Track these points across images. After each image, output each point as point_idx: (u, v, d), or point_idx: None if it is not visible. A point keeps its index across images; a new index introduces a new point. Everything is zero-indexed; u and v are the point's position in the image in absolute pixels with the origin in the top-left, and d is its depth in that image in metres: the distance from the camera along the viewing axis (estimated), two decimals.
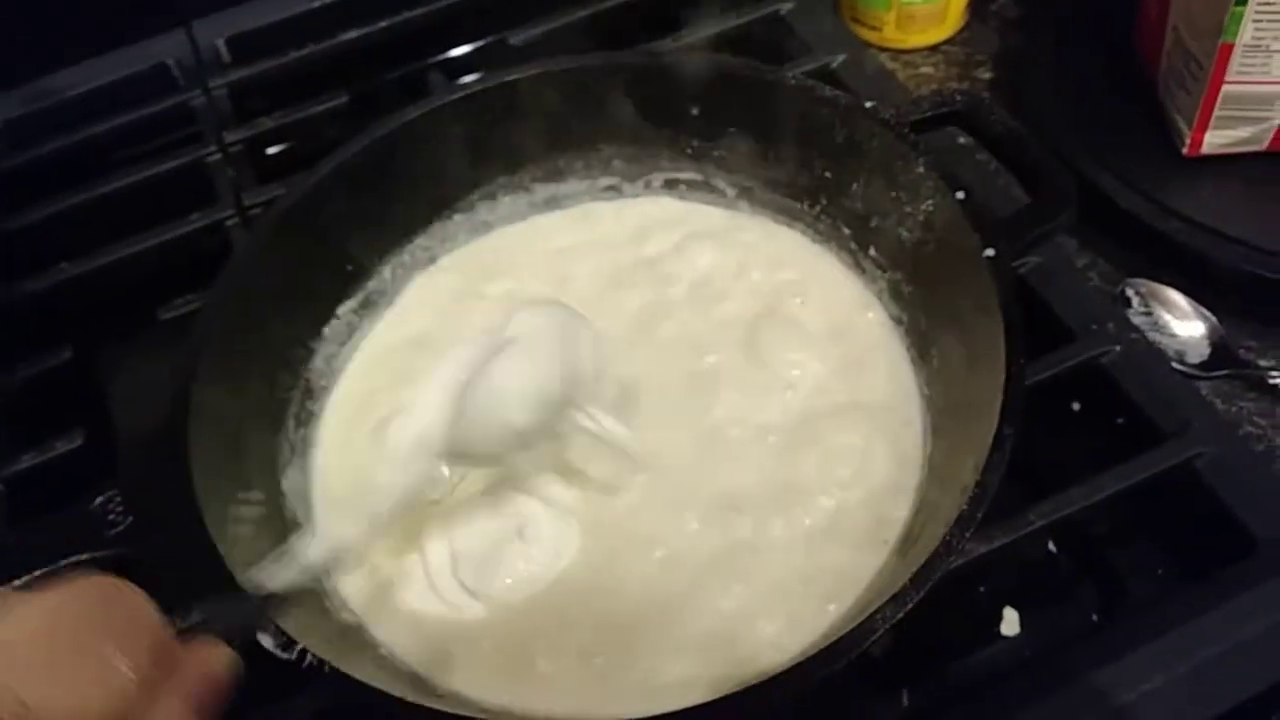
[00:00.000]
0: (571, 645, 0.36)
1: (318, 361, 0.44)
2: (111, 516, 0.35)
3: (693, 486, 0.39)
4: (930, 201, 0.39)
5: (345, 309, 0.45)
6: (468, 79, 0.51)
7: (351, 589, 0.38)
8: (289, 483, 0.41)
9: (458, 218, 0.48)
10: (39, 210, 0.57)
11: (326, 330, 0.45)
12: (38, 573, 0.35)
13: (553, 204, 0.48)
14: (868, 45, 0.59)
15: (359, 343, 0.46)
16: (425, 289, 0.47)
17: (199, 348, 0.40)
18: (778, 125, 0.44)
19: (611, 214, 0.48)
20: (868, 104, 0.42)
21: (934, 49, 0.60)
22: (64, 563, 0.34)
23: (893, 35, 0.59)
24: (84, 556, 0.34)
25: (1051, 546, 0.42)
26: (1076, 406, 0.44)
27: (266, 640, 0.31)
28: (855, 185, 0.43)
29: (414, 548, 0.39)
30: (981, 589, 0.42)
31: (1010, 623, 0.41)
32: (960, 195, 0.38)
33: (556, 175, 0.48)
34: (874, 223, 0.43)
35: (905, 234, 0.41)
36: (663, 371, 0.43)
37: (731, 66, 0.45)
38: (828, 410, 0.40)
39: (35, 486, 0.48)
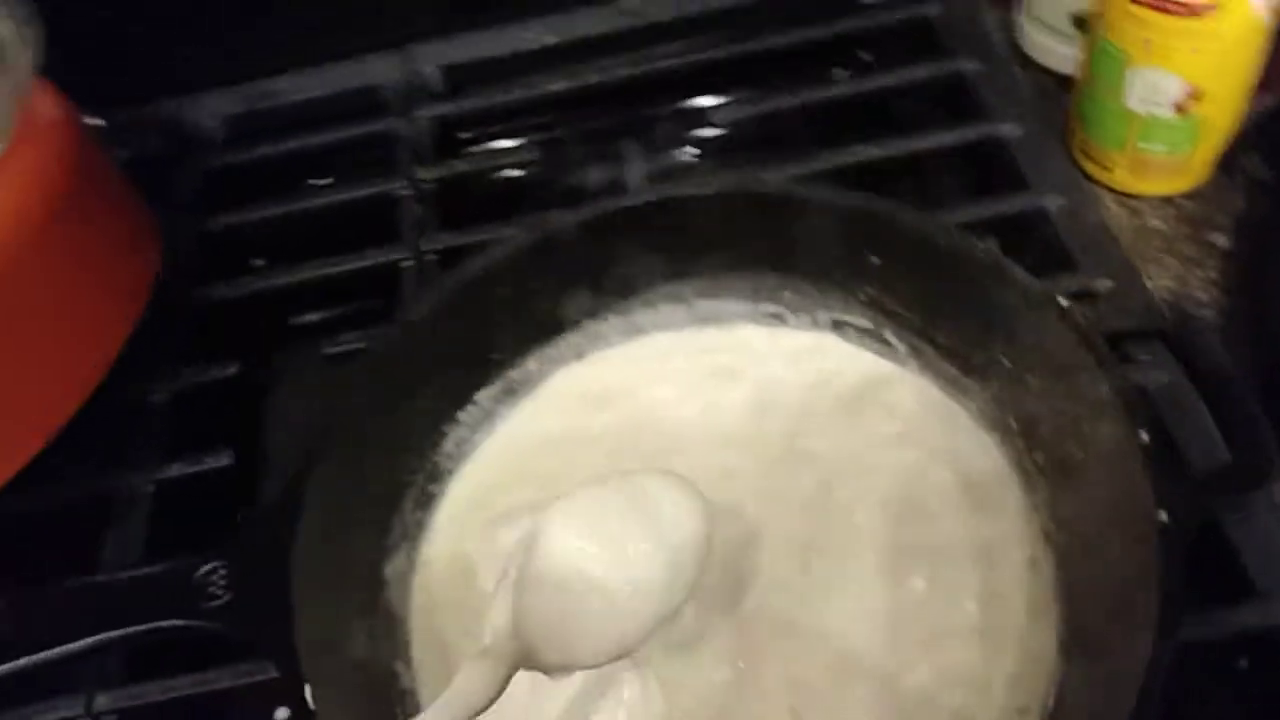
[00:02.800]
0: None
1: (448, 445, 0.44)
2: (212, 589, 0.36)
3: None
4: (1109, 431, 0.35)
5: (484, 395, 0.45)
6: (652, 190, 0.49)
7: None
8: (392, 570, 0.41)
9: (612, 319, 0.46)
10: (236, 216, 0.60)
11: (462, 415, 0.44)
12: (130, 629, 0.36)
13: (710, 320, 0.47)
14: (1094, 183, 0.54)
15: (493, 431, 0.45)
16: (567, 385, 0.46)
17: (331, 420, 0.40)
18: (960, 293, 0.41)
19: (769, 341, 0.46)
20: (1062, 302, 0.38)
21: (1168, 200, 0.54)
22: (153, 625, 0.36)
23: (1123, 180, 0.54)
24: (178, 623, 0.36)
25: None
26: (1245, 664, 0.40)
27: None
28: (1031, 380, 0.39)
29: None
30: None
31: None
32: (1145, 437, 0.34)
33: (720, 292, 0.46)
34: (1043, 429, 0.39)
35: (1076, 453, 0.37)
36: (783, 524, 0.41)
37: (923, 228, 0.41)
38: (949, 630, 0.37)
39: (181, 496, 0.50)
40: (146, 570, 0.38)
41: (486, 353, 0.45)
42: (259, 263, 0.60)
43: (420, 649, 0.40)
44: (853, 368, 0.45)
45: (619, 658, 0.34)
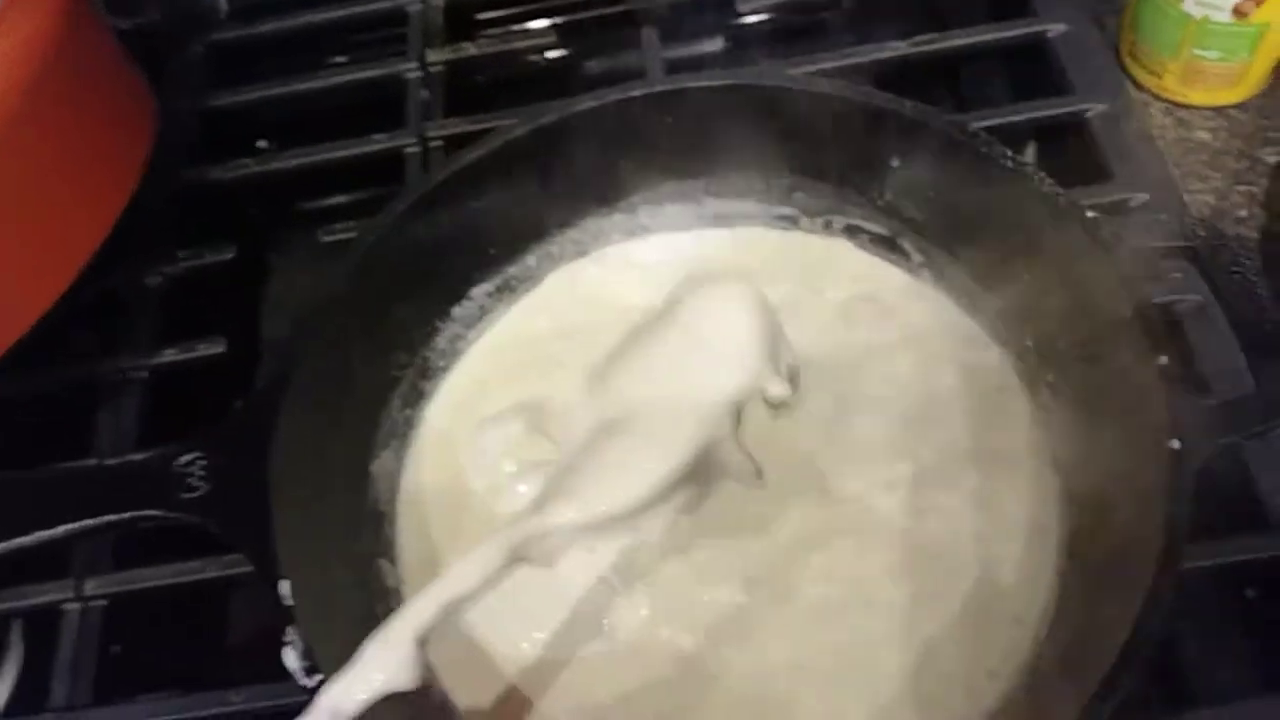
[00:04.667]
0: None
1: (440, 341, 0.43)
2: (191, 480, 0.35)
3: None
4: (1127, 353, 0.33)
5: (480, 291, 0.43)
6: (663, 80, 0.46)
7: None
8: (379, 466, 0.40)
9: (617, 216, 0.44)
10: (239, 95, 0.57)
11: (456, 310, 0.43)
12: (107, 518, 0.36)
13: (720, 221, 0.44)
14: (1140, 89, 0.51)
15: (487, 328, 0.44)
16: (566, 283, 0.44)
17: (319, 312, 0.39)
18: (982, 203, 0.38)
19: (782, 245, 0.44)
20: (1089, 214, 0.35)
21: (1218, 110, 0.51)
22: (129, 515, 0.35)
23: (1173, 87, 0.50)
24: (154, 513, 0.35)
25: None
26: (1251, 594, 0.38)
27: (292, 661, 0.31)
28: (1050, 296, 0.37)
29: None
30: None
31: None
32: (1164, 360, 0.32)
33: (731, 192, 0.44)
34: (1060, 346, 0.37)
35: (1091, 374, 0.35)
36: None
37: (947, 130, 0.39)
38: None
39: (176, 380, 0.50)
40: (127, 459, 0.38)
41: (484, 247, 0.43)
42: (262, 144, 0.58)
43: (406, 547, 0.40)
44: (865, 274, 0.42)
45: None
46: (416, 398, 0.42)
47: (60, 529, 0.35)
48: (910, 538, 0.37)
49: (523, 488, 0.39)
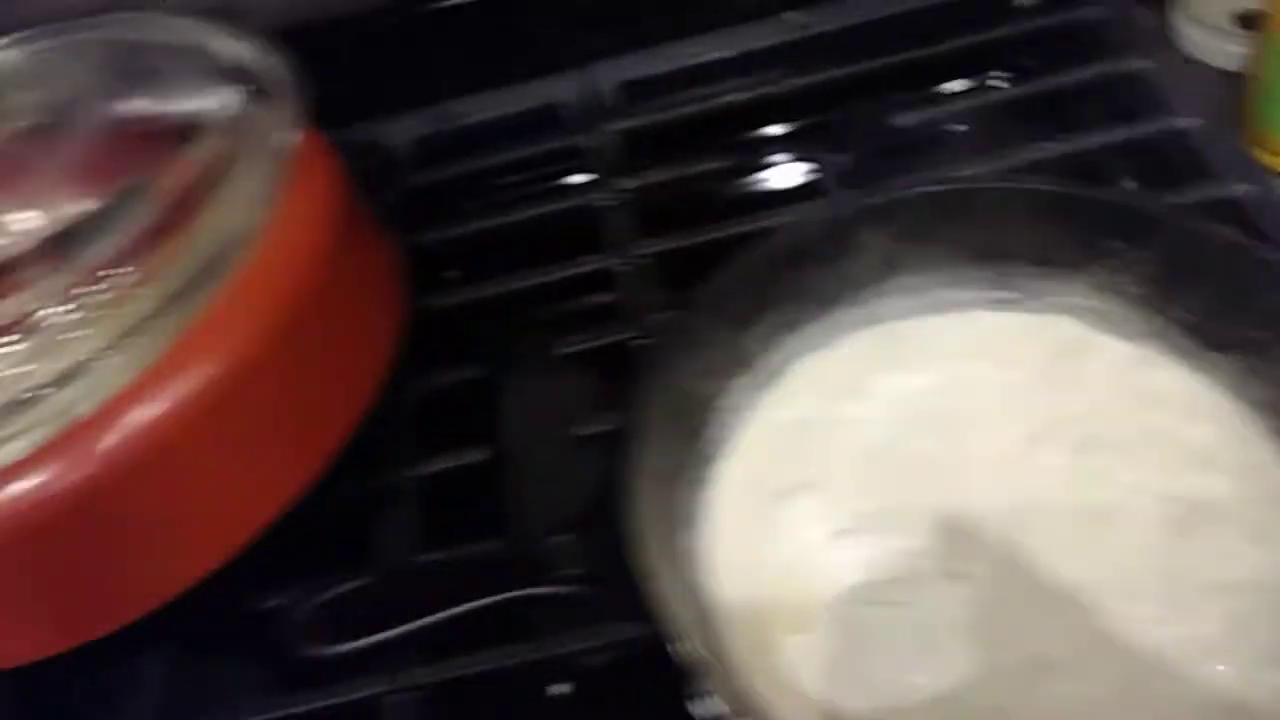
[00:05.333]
0: None
1: (711, 432, 0.47)
2: (561, 561, 0.40)
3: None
4: None
5: (738, 384, 0.48)
6: (890, 189, 0.51)
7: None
8: (682, 541, 0.44)
9: (854, 310, 0.50)
10: (447, 230, 0.63)
11: (719, 403, 0.48)
12: (495, 598, 0.40)
13: (945, 307, 0.50)
14: (1274, 174, 0.58)
15: (749, 419, 0.48)
16: (812, 373, 0.50)
17: (638, 416, 0.43)
18: (1199, 272, 0.45)
19: (1009, 326, 0.49)
20: None
21: None
22: (524, 593, 0.39)
23: None
24: (542, 590, 0.39)
25: None
26: None
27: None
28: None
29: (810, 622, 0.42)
30: None
31: None
32: None
33: (952, 280, 0.50)
34: None
35: None
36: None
37: (1159, 211, 0.45)
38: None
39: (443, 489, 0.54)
40: (491, 546, 0.42)
41: (740, 343, 0.48)
42: (452, 274, 0.64)
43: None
44: (1089, 346, 0.48)
45: None
46: (701, 484, 0.47)
47: (463, 607, 0.39)
48: None
49: (830, 553, 0.43)
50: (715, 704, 0.35)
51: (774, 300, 0.49)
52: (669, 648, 0.37)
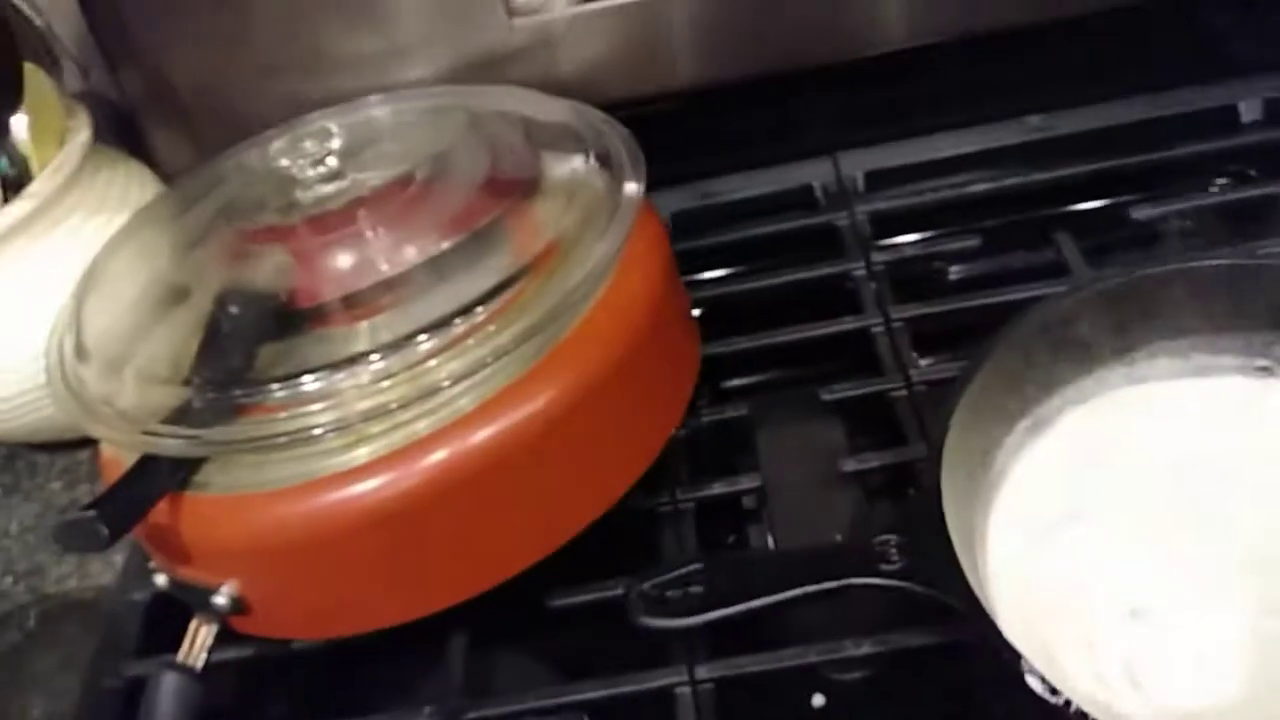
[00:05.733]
0: None
1: (993, 468, 0.52)
2: (887, 556, 0.45)
3: None
4: None
5: (1020, 426, 0.53)
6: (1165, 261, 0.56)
7: None
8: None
9: (1119, 369, 0.55)
10: (715, 290, 0.71)
11: (1007, 440, 0.53)
12: (826, 585, 0.46)
13: (1204, 372, 0.55)
14: None
15: (1022, 458, 0.53)
16: (1080, 421, 0.54)
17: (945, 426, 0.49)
18: None
19: (1259, 391, 0.54)
20: None
21: None
22: (853, 581, 0.45)
23: None
24: (870, 581, 0.44)
25: None
26: None
27: (1036, 684, 0.39)
28: None
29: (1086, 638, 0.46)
30: None
31: None
32: None
33: (1214, 348, 0.54)
34: None
35: None
36: None
37: None
38: None
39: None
40: (829, 542, 0.47)
41: (1021, 393, 0.54)
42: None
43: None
44: None
45: None
46: (984, 508, 0.52)
47: (795, 591, 0.44)
48: None
49: (1110, 577, 0.48)
50: (1042, 680, 0.39)
51: (1046, 361, 0.54)
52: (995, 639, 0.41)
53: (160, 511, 0.49)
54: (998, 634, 0.41)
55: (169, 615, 0.54)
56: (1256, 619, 0.46)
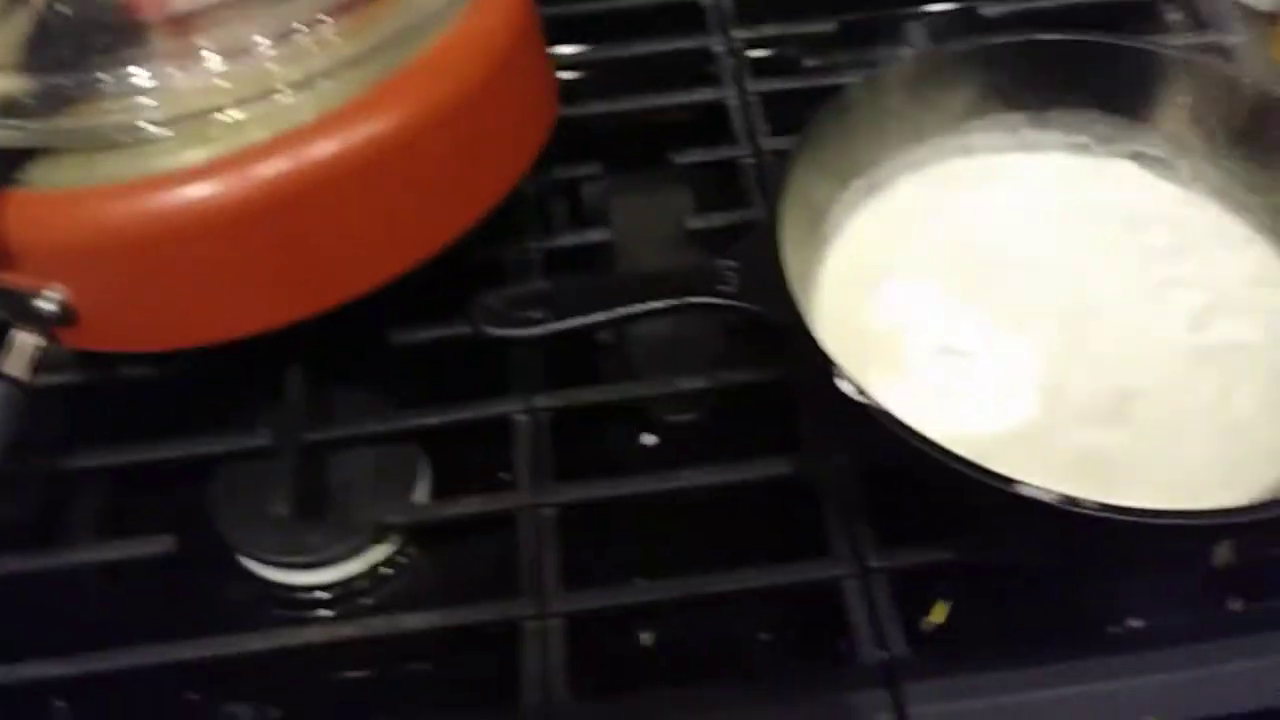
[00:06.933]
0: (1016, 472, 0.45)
1: (829, 222, 0.55)
2: (723, 277, 0.47)
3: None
4: None
5: (857, 184, 0.56)
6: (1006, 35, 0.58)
7: None
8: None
9: (954, 139, 0.58)
10: (575, 58, 0.70)
11: (844, 196, 0.55)
12: (667, 302, 0.47)
13: (1031, 147, 0.58)
14: None
15: (858, 214, 0.56)
16: (912, 183, 0.57)
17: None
18: (1253, 128, 0.53)
19: (1079, 168, 0.58)
20: None
21: None
22: (684, 301, 0.47)
23: None
24: (707, 300, 0.46)
25: None
26: None
27: (846, 385, 0.42)
28: None
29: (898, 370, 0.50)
30: None
31: None
32: None
33: (1044, 124, 0.57)
34: None
35: None
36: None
37: (1231, 72, 0.53)
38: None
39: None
40: (672, 266, 0.49)
41: (860, 154, 0.56)
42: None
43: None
44: (1143, 187, 0.56)
45: None
46: (818, 261, 0.54)
47: (637, 307, 0.46)
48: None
49: (924, 320, 0.51)
50: (851, 384, 0.42)
51: (883, 126, 0.56)
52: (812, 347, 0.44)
53: None
54: (814, 343, 0.44)
55: None
56: (1053, 354, 0.50)
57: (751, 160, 0.63)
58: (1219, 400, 0.48)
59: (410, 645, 0.49)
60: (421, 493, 0.54)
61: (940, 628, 0.49)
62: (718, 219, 0.60)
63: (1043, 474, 0.42)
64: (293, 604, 0.52)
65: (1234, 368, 0.49)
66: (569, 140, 0.66)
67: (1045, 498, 0.38)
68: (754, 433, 0.56)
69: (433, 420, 0.54)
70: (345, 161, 0.48)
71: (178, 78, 0.47)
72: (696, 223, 0.60)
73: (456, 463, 0.55)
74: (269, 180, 0.47)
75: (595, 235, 0.60)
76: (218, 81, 0.47)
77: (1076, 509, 0.38)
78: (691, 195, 0.63)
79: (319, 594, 0.52)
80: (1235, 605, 0.48)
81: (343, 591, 0.52)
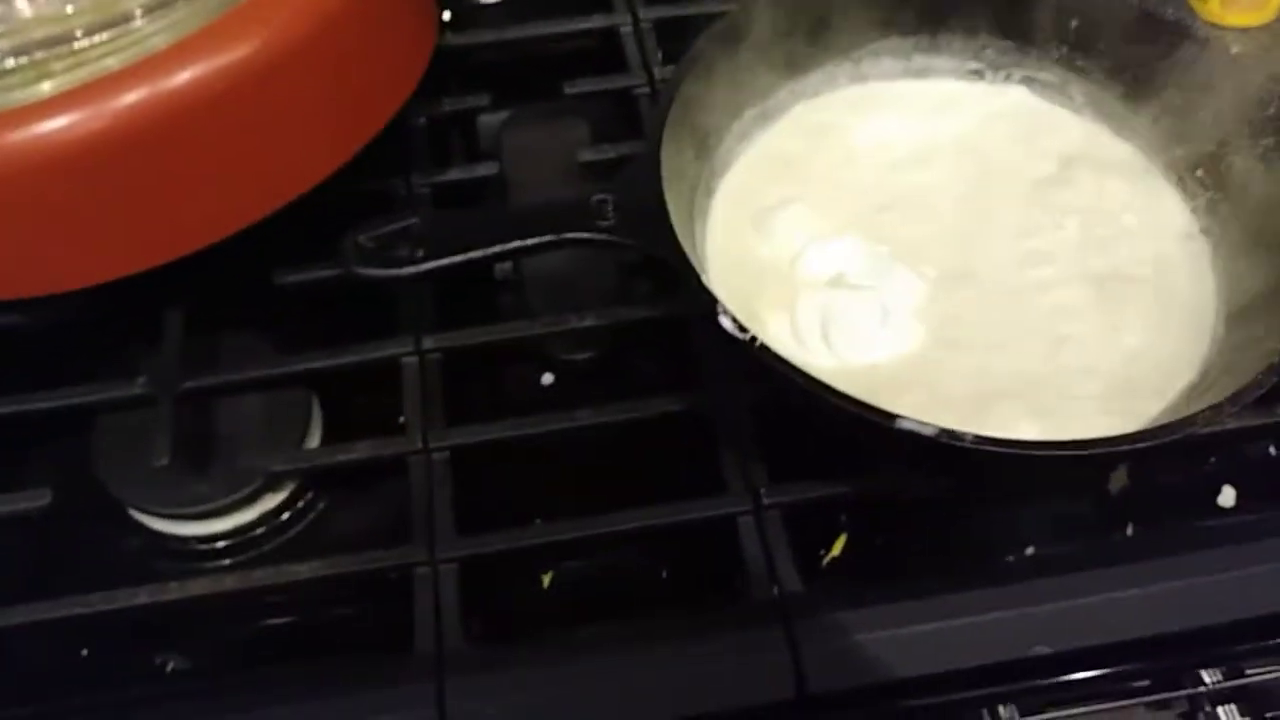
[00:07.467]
0: (906, 404, 0.46)
1: (722, 150, 0.54)
2: (601, 212, 0.46)
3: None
4: (1269, 141, 0.48)
5: (748, 114, 0.55)
6: None
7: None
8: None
9: (845, 66, 0.57)
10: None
11: (733, 126, 0.54)
12: (547, 237, 0.46)
13: (923, 73, 0.57)
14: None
15: (751, 144, 0.55)
16: (804, 114, 0.56)
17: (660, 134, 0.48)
18: (1144, 49, 0.53)
19: (968, 93, 0.57)
20: (1233, 49, 0.50)
21: (1245, 31, 0.67)
22: (562, 236, 0.45)
23: (1216, 11, 0.66)
24: (583, 235, 0.45)
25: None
26: None
27: (727, 322, 0.42)
28: (1200, 112, 0.51)
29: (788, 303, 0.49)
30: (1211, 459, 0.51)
31: (1228, 497, 0.51)
32: None
33: (935, 49, 0.57)
34: (1206, 149, 0.51)
35: (1235, 162, 0.50)
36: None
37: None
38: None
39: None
40: (549, 200, 0.47)
41: (751, 82, 0.55)
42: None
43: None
44: (1035, 113, 0.56)
45: None
46: (709, 191, 0.53)
47: (513, 244, 0.44)
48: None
49: (814, 251, 0.51)
50: (733, 320, 0.42)
51: (770, 54, 0.55)
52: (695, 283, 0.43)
53: None
54: (696, 277, 0.43)
55: None
56: (943, 283, 0.50)
57: (645, 90, 0.62)
58: (1108, 329, 0.49)
59: (322, 591, 0.48)
60: (314, 439, 0.52)
61: (836, 561, 0.49)
62: (610, 151, 0.59)
63: (932, 405, 0.43)
64: (188, 555, 0.51)
65: (1123, 296, 0.50)
66: (461, 71, 0.64)
67: (924, 431, 0.38)
68: (655, 370, 0.56)
69: (318, 364, 0.52)
70: (204, 89, 0.45)
71: (24, 5, 0.44)
72: (589, 155, 0.59)
73: (354, 408, 0.54)
74: (124, 110, 0.44)
75: (484, 169, 0.58)
76: (67, 7, 0.44)
77: (955, 441, 0.38)
78: (588, 128, 0.62)
79: (218, 544, 0.51)
80: (1128, 531, 0.49)
81: (239, 540, 0.51)
